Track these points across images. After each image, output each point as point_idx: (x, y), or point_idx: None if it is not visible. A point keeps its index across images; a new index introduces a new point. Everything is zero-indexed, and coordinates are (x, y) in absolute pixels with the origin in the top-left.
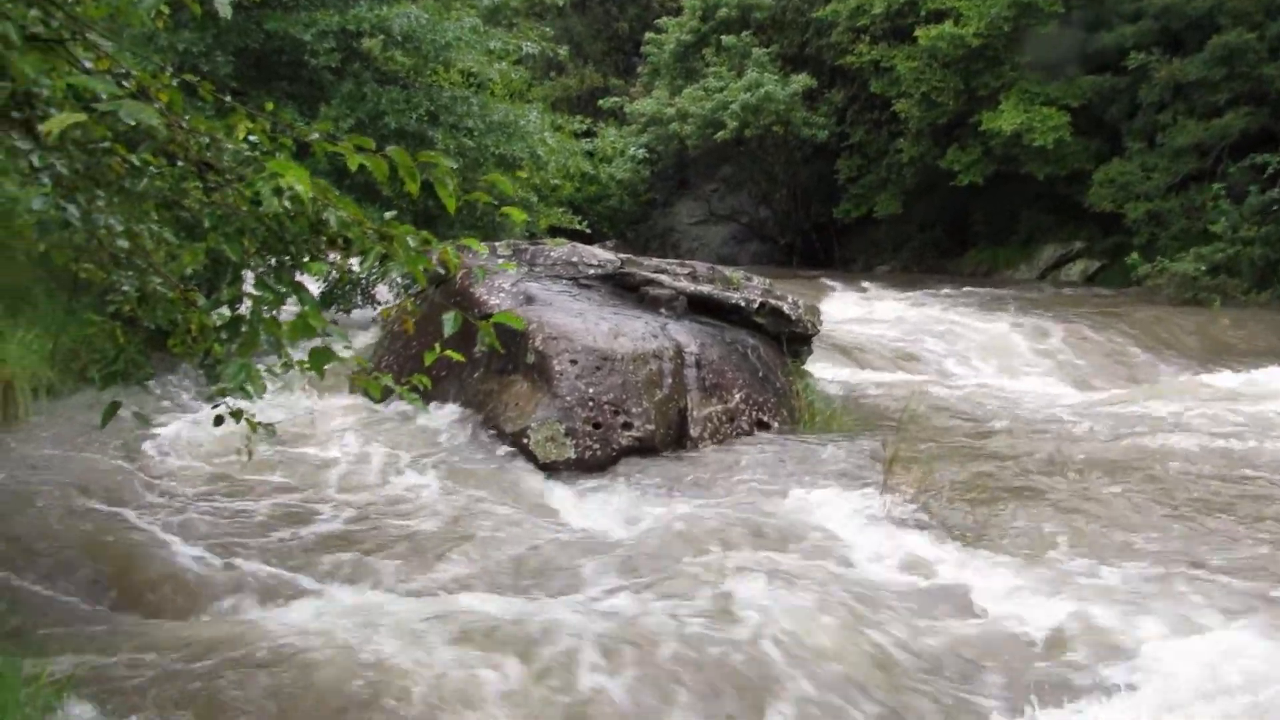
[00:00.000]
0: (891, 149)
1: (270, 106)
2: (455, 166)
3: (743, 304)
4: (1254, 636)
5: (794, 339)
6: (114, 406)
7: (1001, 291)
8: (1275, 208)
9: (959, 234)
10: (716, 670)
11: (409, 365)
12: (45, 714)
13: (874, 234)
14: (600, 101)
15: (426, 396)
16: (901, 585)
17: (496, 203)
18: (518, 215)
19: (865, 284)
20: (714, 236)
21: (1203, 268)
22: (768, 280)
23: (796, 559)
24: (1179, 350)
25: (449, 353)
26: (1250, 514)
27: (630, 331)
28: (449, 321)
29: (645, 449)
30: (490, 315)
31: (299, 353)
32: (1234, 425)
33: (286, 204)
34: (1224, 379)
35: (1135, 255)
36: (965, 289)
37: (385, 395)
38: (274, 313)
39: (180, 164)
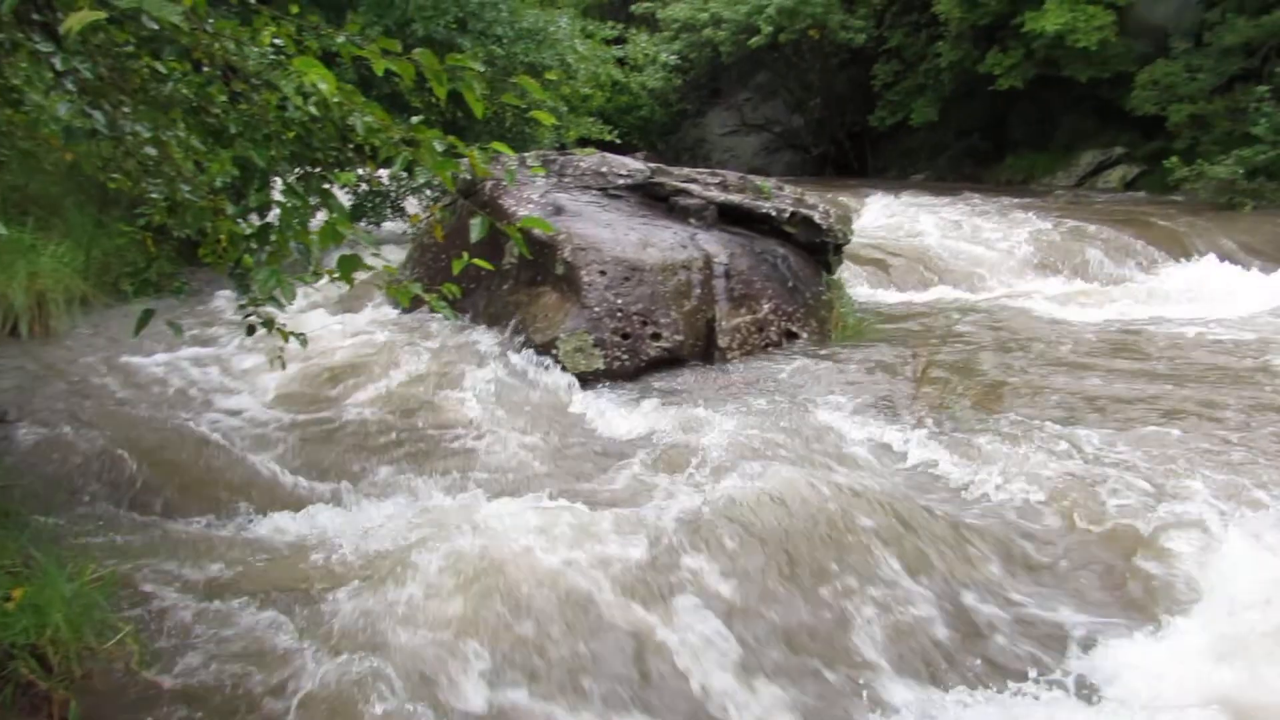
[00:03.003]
0: (930, 53)
1: (295, 10)
2: (483, 70)
3: (773, 213)
4: None
5: (824, 248)
6: (147, 314)
7: (1037, 200)
8: None
9: (996, 141)
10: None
11: (439, 277)
12: (88, 609)
13: (909, 142)
14: (633, 7)
15: (456, 307)
16: (929, 487)
17: (525, 107)
18: (546, 119)
19: (900, 193)
20: (746, 147)
21: (1241, 171)
22: (799, 189)
23: (826, 463)
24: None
25: (477, 261)
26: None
27: (659, 242)
28: (476, 227)
29: (674, 360)
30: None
31: (329, 262)
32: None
33: (312, 108)
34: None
35: (1174, 159)
36: (1001, 198)
37: (414, 304)
38: (303, 222)
39: (205, 69)
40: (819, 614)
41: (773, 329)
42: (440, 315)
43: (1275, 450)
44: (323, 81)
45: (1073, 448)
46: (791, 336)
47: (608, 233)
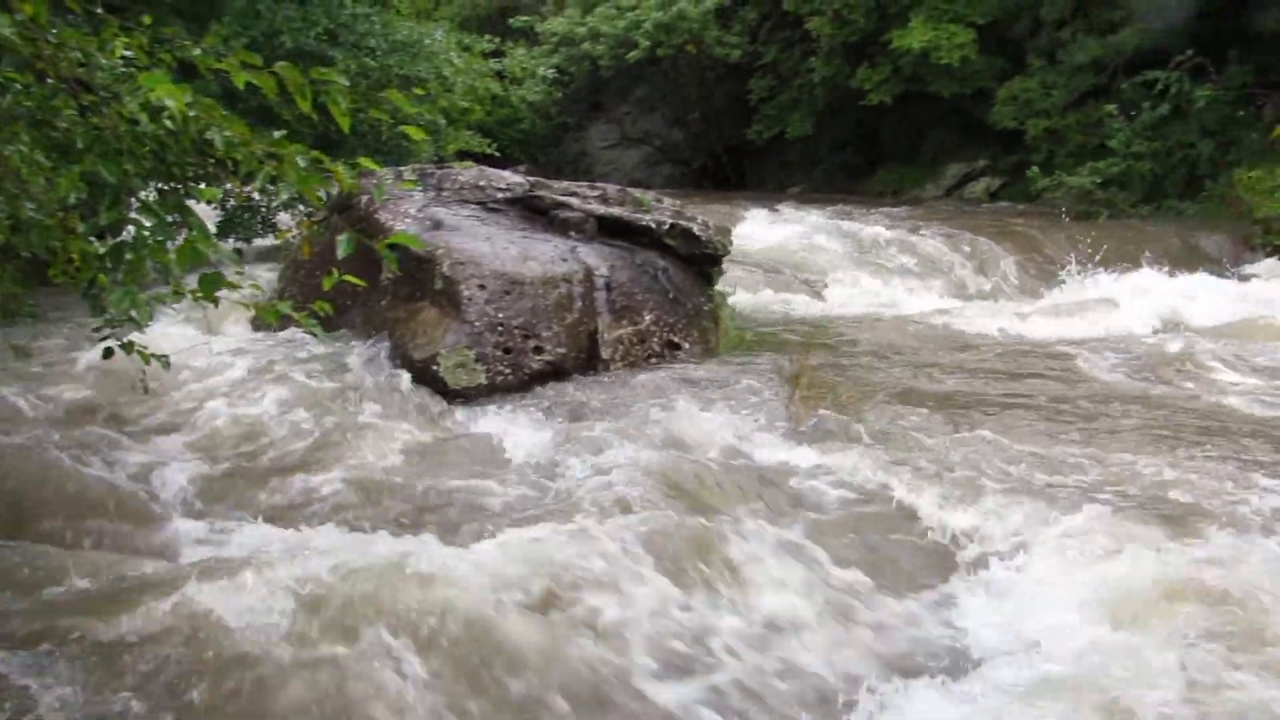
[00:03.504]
0: (804, 68)
1: (148, 21)
2: (348, 85)
3: (653, 225)
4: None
5: (705, 260)
6: None
7: (909, 210)
8: (1164, 123)
9: (869, 154)
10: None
11: (314, 293)
12: None
13: (786, 155)
14: (511, 20)
15: (330, 324)
16: (805, 489)
17: (394, 122)
18: (416, 133)
19: (777, 205)
20: (627, 160)
21: (1096, 181)
22: (678, 202)
23: (702, 469)
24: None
25: (349, 278)
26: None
27: (539, 255)
28: (343, 243)
29: (557, 372)
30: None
31: (203, 276)
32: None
33: (167, 122)
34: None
35: (1034, 170)
36: (875, 209)
37: (284, 322)
38: (162, 239)
39: (50, 81)
40: (692, 617)
41: (655, 340)
42: (322, 333)
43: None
44: (170, 98)
45: (924, 448)
46: (674, 347)
47: (487, 246)
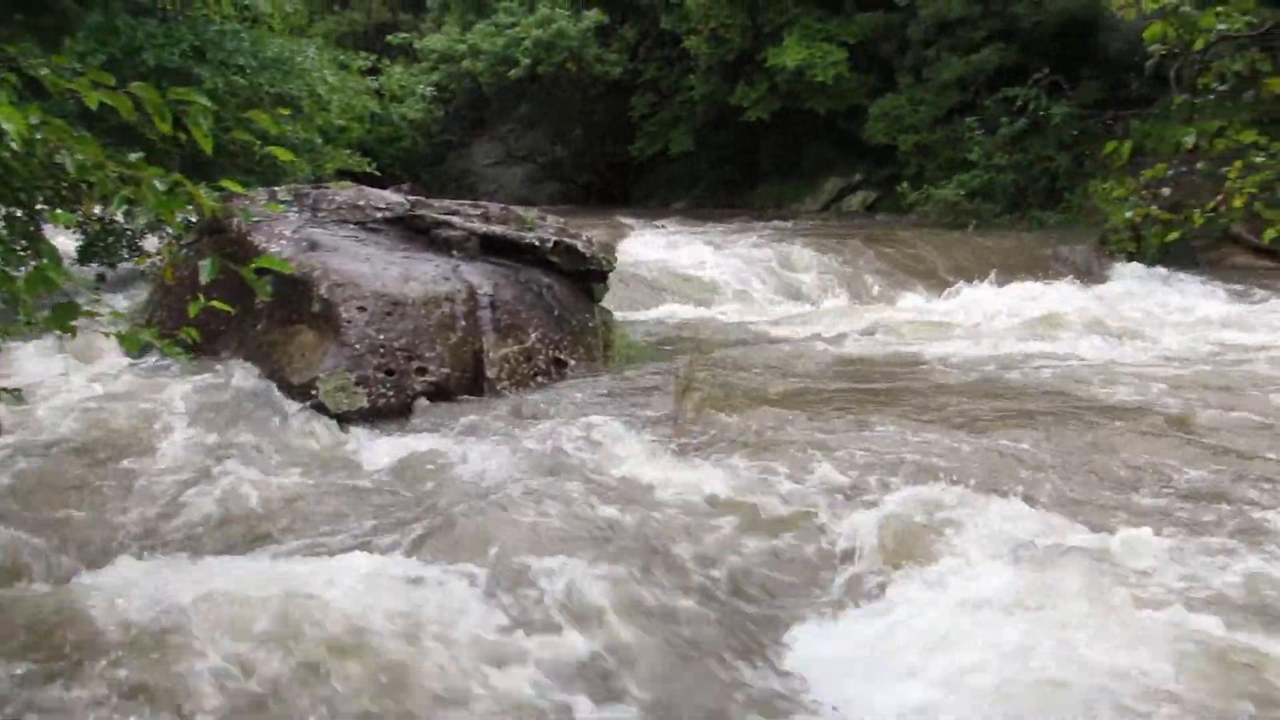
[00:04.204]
0: (683, 85)
1: None
2: (210, 105)
3: (536, 243)
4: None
5: (589, 276)
6: None
7: (790, 224)
8: (1024, 137)
9: (749, 170)
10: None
11: (183, 319)
12: None
13: (668, 171)
14: (389, 37)
15: (203, 350)
16: (686, 505)
17: (260, 142)
18: (283, 154)
19: (660, 221)
20: (511, 178)
21: (962, 193)
22: (562, 219)
23: (586, 489)
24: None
25: (216, 303)
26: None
27: (421, 275)
28: (206, 268)
29: (442, 393)
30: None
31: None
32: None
33: (13, 145)
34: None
35: (904, 185)
36: (756, 223)
37: (145, 349)
38: (8, 267)
39: None
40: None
41: (541, 358)
42: (189, 360)
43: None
44: (8, 121)
45: (808, 453)
46: (561, 364)
47: (367, 267)
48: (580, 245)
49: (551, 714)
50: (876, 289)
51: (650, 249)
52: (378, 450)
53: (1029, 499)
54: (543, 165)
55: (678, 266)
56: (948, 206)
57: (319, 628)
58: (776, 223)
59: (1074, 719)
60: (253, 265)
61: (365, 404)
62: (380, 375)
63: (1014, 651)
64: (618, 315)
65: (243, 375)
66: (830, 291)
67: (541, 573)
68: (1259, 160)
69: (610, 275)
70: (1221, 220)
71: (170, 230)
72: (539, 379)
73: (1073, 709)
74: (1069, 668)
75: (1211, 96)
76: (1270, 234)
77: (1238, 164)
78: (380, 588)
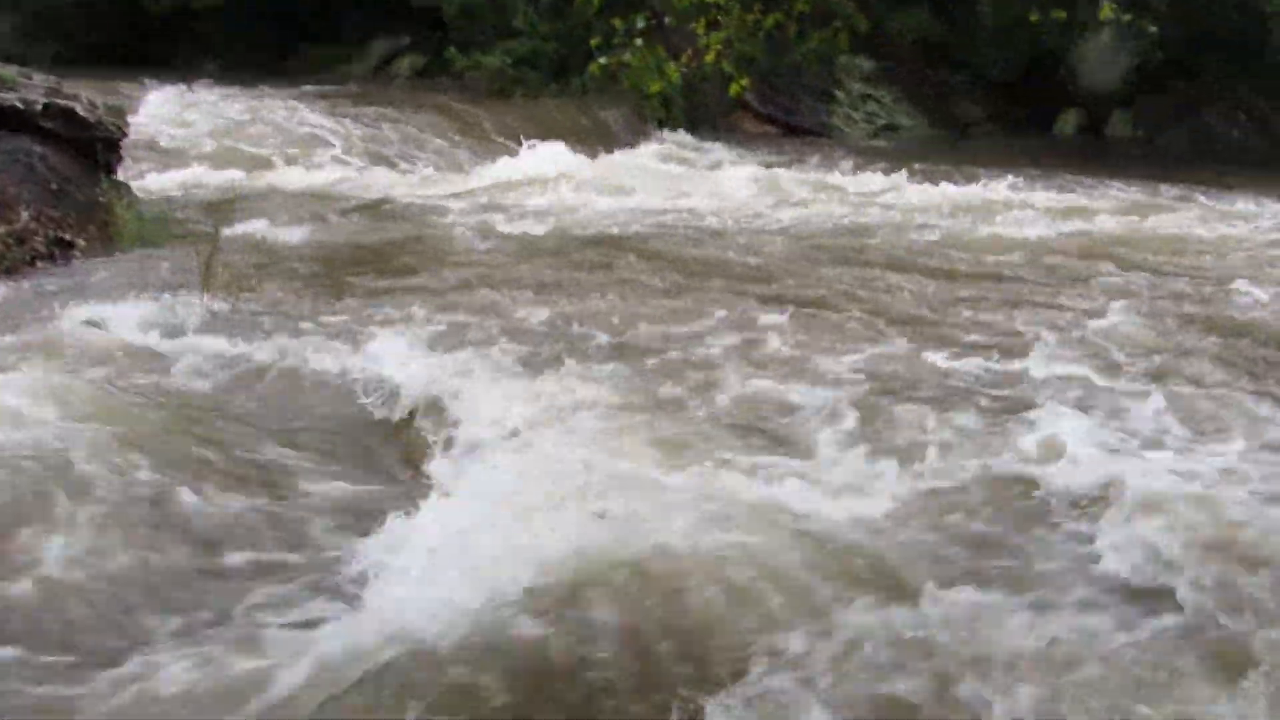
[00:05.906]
0: None
1: None
2: None
3: (21, 106)
4: None
5: (96, 146)
6: None
7: (336, 89)
8: (566, 5)
9: (288, 32)
10: None
11: None
12: None
13: (197, 29)
14: None
15: None
16: (207, 385)
17: None
18: None
19: (191, 85)
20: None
21: (509, 60)
22: (54, 78)
23: (105, 373)
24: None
25: None
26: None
27: None
28: None
29: None
30: None
31: None
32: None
33: None
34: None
35: (451, 50)
36: (302, 86)
37: None
38: None
39: None
40: None
41: (39, 239)
42: None
43: None
44: None
45: (345, 322)
46: (67, 245)
47: None
48: (81, 109)
49: None
50: (442, 155)
51: (176, 114)
52: None
53: None
54: (38, 16)
55: (215, 133)
56: (496, 73)
57: None
58: (324, 87)
59: None
60: None
61: None
62: None
63: None
64: (139, 186)
65: None
66: (387, 157)
67: None
68: (720, 19)
69: (123, 143)
70: (694, 75)
71: None
72: (39, 264)
73: None
74: None
75: None
76: (735, 89)
77: (702, 20)
78: None
